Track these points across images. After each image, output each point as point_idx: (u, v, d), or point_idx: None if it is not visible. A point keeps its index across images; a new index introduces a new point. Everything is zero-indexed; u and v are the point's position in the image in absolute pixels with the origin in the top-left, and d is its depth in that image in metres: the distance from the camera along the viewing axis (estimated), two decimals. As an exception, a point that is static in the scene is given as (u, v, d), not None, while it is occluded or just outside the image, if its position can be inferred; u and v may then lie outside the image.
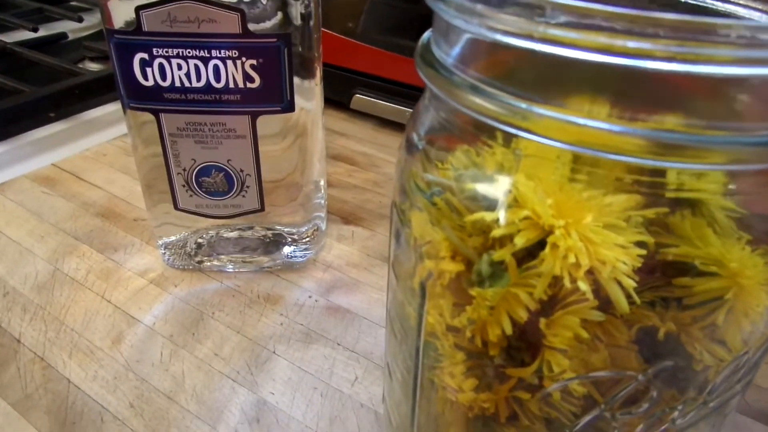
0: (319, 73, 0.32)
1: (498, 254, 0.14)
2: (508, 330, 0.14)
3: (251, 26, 0.27)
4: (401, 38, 0.50)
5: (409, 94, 0.50)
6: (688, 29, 0.12)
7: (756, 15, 0.17)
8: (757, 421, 0.27)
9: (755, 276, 0.16)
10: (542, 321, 0.14)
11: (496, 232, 0.14)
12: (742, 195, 0.15)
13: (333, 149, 0.49)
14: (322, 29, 0.51)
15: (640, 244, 0.15)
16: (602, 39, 0.11)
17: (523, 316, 0.14)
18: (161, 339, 0.31)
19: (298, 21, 0.29)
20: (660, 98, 0.15)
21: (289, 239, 0.36)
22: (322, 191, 0.37)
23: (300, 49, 0.30)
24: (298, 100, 0.30)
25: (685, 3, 0.18)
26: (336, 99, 0.54)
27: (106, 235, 0.39)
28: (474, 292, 0.14)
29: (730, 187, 0.16)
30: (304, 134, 0.33)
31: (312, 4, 0.29)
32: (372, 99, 0.52)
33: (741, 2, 0.18)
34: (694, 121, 0.15)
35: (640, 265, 0.15)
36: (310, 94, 0.32)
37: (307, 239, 0.36)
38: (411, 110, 0.50)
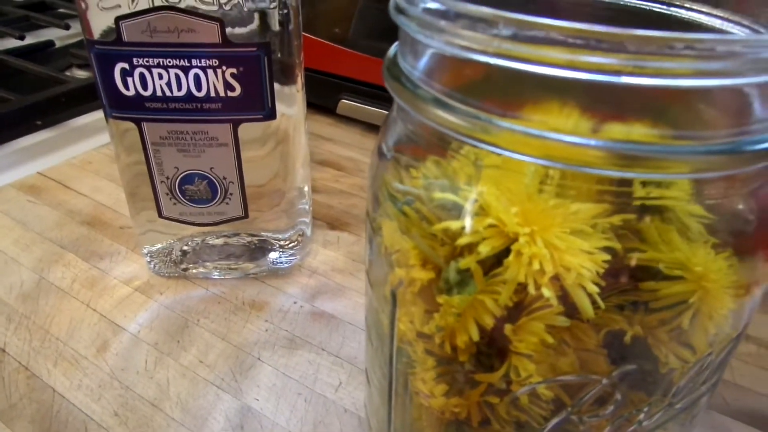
0: (300, 79, 0.33)
1: (464, 262, 0.14)
2: (475, 336, 0.14)
3: (229, 31, 0.28)
4: (387, 43, 0.50)
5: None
6: (647, 44, 0.12)
7: (717, 22, 0.18)
8: (736, 420, 0.28)
9: (719, 279, 0.16)
10: (508, 327, 0.14)
11: (462, 240, 0.14)
12: (709, 200, 0.15)
13: (319, 154, 0.50)
14: (308, 35, 0.52)
15: (606, 250, 0.16)
16: (564, 55, 0.12)
17: (489, 322, 0.14)
18: (146, 347, 0.31)
19: (276, 27, 0.29)
20: (623, 105, 0.15)
21: (275, 245, 0.36)
22: (307, 197, 0.37)
23: (280, 55, 0.30)
24: (279, 106, 0.31)
25: (649, 11, 0.19)
26: (322, 104, 0.54)
27: (91, 244, 0.39)
28: (441, 299, 0.15)
29: (697, 192, 0.16)
30: (285, 140, 0.33)
31: (291, 11, 0.29)
32: (358, 104, 0.52)
33: (704, 10, 0.18)
34: (658, 129, 0.15)
35: (603, 270, 0.15)
36: (291, 100, 0.32)
37: (293, 245, 0.37)
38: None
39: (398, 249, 0.16)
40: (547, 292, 0.14)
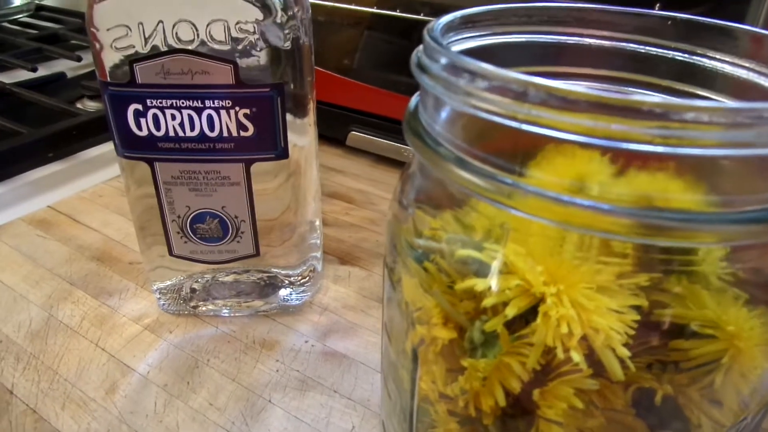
0: (312, 113, 0.33)
1: (490, 324, 0.14)
2: (502, 402, 0.14)
3: (243, 65, 0.28)
4: (396, 75, 0.50)
5: (405, 130, 0.50)
6: (670, 112, 0.12)
7: (742, 72, 0.17)
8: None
9: (752, 338, 0.15)
10: (536, 392, 0.14)
11: (488, 302, 0.14)
12: (739, 263, 0.15)
13: (329, 186, 0.50)
14: (317, 68, 0.52)
15: (634, 307, 0.15)
16: (584, 122, 0.11)
17: (516, 387, 0.14)
18: (155, 388, 0.31)
19: (290, 62, 0.29)
20: (648, 158, 0.15)
21: (285, 282, 0.36)
22: (318, 231, 0.37)
23: (293, 87, 0.30)
24: (292, 137, 0.30)
25: (672, 59, 0.18)
26: (332, 136, 0.54)
27: (101, 280, 0.38)
28: (466, 362, 0.14)
29: (726, 256, 0.16)
30: (297, 173, 0.33)
31: (303, 48, 0.29)
32: (368, 136, 0.52)
33: (727, 59, 0.18)
34: (683, 183, 0.15)
35: (633, 331, 0.14)
36: (304, 132, 0.32)
37: (303, 281, 0.36)
38: (407, 147, 0.50)
39: (420, 306, 0.15)
40: (576, 356, 0.14)
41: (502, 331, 0.14)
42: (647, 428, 0.16)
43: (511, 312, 0.14)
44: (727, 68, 0.18)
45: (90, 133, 0.53)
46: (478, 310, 0.15)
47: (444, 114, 0.15)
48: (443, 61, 0.14)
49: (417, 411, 0.17)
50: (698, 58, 0.18)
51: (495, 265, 0.14)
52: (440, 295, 0.15)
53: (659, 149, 0.11)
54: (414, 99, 0.17)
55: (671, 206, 0.14)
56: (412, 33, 0.49)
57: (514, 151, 0.14)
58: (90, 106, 0.62)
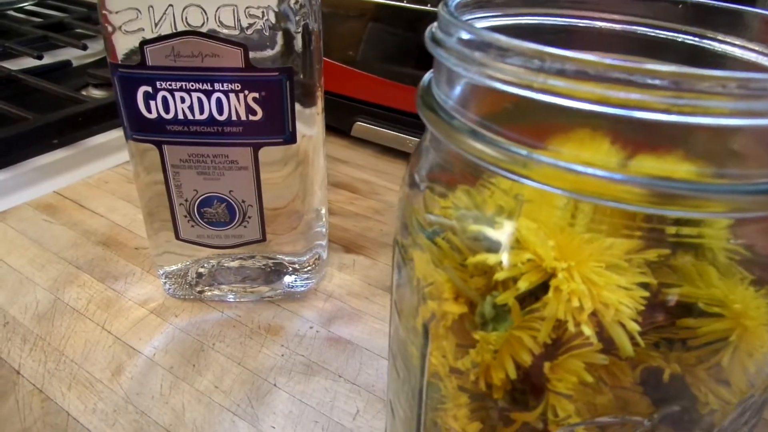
0: (320, 101, 0.33)
1: (501, 297, 0.14)
2: (512, 374, 0.14)
3: (252, 54, 0.28)
4: (401, 66, 0.50)
5: (410, 121, 0.50)
6: (684, 80, 0.12)
7: (752, 56, 0.17)
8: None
9: (759, 317, 0.16)
10: (546, 365, 0.14)
11: (499, 275, 0.14)
12: (745, 238, 0.15)
13: (334, 176, 0.50)
14: (324, 58, 0.52)
15: (642, 285, 0.15)
16: (599, 90, 0.11)
17: (527, 359, 0.14)
18: (161, 371, 0.31)
19: (299, 49, 0.29)
20: (660, 135, 0.15)
21: (290, 268, 0.36)
22: (324, 219, 0.37)
23: (302, 77, 0.30)
24: (300, 127, 0.31)
25: (682, 43, 0.19)
26: (337, 126, 0.54)
27: (107, 264, 0.38)
28: (477, 335, 0.14)
29: (734, 229, 0.16)
30: (305, 162, 0.33)
31: (313, 34, 0.30)
32: (373, 126, 0.52)
33: (737, 43, 0.18)
34: (694, 165, 0.15)
35: (643, 307, 0.14)
36: (312, 121, 0.32)
37: (309, 268, 0.36)
38: (412, 138, 0.50)
39: (431, 282, 0.15)
40: (587, 330, 0.14)
41: (513, 304, 0.14)
42: (654, 405, 0.16)
43: (523, 285, 0.14)
44: (737, 52, 0.18)
45: (95, 120, 0.53)
46: (489, 286, 0.16)
47: (458, 88, 0.15)
48: (459, 34, 0.14)
49: (426, 387, 0.17)
50: (708, 41, 0.18)
51: (506, 240, 0.14)
52: (451, 270, 0.15)
53: (673, 118, 0.11)
54: (427, 75, 0.17)
55: (682, 178, 0.14)
56: (419, 24, 0.49)
57: (527, 135, 0.15)
58: (95, 94, 0.62)
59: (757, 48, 0.17)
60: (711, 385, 0.16)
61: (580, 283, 0.14)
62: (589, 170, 0.13)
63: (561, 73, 0.12)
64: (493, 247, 0.15)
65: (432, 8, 0.47)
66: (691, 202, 0.13)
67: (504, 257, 0.14)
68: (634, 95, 0.11)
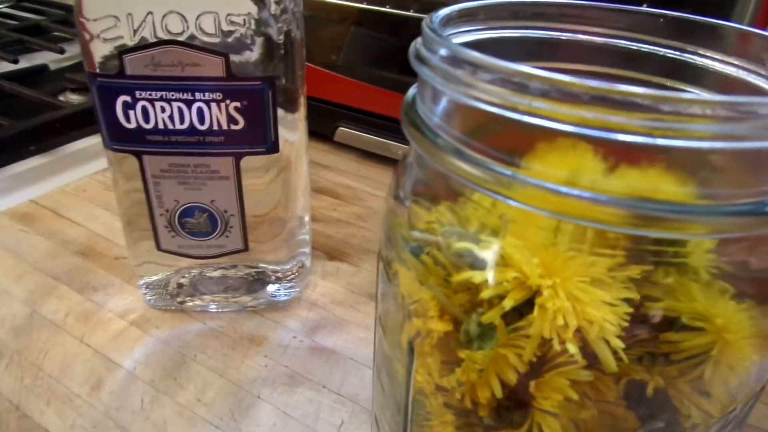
0: (303, 107, 0.33)
1: (487, 316, 0.14)
2: (498, 393, 0.14)
3: (234, 58, 0.27)
4: (384, 71, 0.50)
5: (393, 126, 0.50)
6: (666, 103, 0.12)
7: (732, 69, 0.18)
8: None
9: (740, 331, 0.16)
10: (531, 384, 0.14)
11: (486, 294, 0.14)
12: (727, 255, 0.15)
13: (316, 182, 0.49)
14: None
15: (626, 300, 0.15)
16: (583, 113, 0.11)
17: (512, 378, 0.14)
18: (142, 384, 0.30)
19: (281, 54, 0.29)
20: (644, 150, 0.15)
21: (273, 277, 0.36)
22: (307, 227, 0.37)
23: (284, 82, 0.30)
24: (283, 133, 0.30)
25: (663, 57, 0.19)
26: (319, 131, 0.54)
27: (85, 275, 0.38)
28: (463, 354, 0.14)
29: (716, 248, 0.16)
30: (288, 168, 0.32)
31: (295, 41, 0.29)
32: (355, 132, 0.52)
33: (717, 57, 0.18)
34: (676, 179, 0.15)
35: (627, 323, 0.15)
36: (294, 127, 0.32)
37: (292, 277, 0.36)
38: (395, 143, 0.50)
39: (417, 299, 0.15)
40: (572, 348, 0.14)
41: (500, 323, 0.14)
42: (638, 419, 0.16)
43: (508, 304, 0.14)
44: (717, 65, 0.18)
45: (73, 126, 0.52)
46: (473, 303, 0.16)
47: (442, 105, 0.15)
48: (442, 52, 0.14)
49: (412, 404, 0.17)
50: (689, 55, 0.18)
51: (492, 258, 0.14)
52: (437, 288, 0.15)
53: (654, 141, 0.11)
54: (412, 90, 0.17)
55: (664, 198, 0.14)
56: (401, 29, 0.49)
57: (511, 146, 0.15)
58: (73, 99, 0.61)
59: (736, 62, 0.17)
60: (693, 398, 0.16)
61: (564, 300, 0.14)
62: (574, 192, 0.13)
63: (545, 95, 0.12)
64: (478, 265, 0.15)
65: (414, 14, 0.47)
66: (672, 225, 0.13)
67: (490, 275, 0.14)
68: (617, 118, 0.11)
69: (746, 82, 0.18)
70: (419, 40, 0.15)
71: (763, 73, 0.18)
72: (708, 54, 0.18)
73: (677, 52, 0.18)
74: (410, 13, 0.47)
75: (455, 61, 0.14)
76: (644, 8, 0.18)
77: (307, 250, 0.37)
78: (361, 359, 0.32)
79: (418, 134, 0.15)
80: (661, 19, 0.18)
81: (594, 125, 0.12)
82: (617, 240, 0.16)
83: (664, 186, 0.15)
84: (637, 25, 0.19)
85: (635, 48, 0.19)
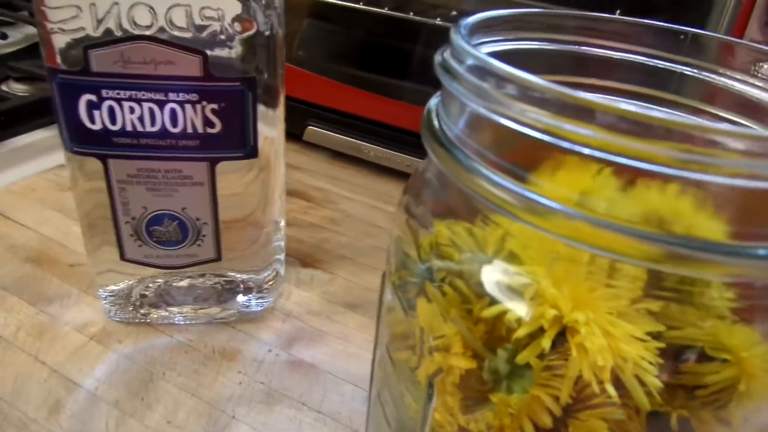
0: (282, 106, 0.31)
1: (523, 356, 0.13)
2: (532, 438, 0.13)
3: (213, 54, 0.25)
4: (355, 69, 0.49)
5: (364, 127, 0.49)
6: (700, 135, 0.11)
7: (753, 90, 0.17)
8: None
9: (765, 363, 0.15)
10: (568, 427, 0.13)
11: (522, 332, 0.13)
12: (747, 298, 0.15)
13: (287, 184, 0.47)
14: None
15: (652, 334, 0.15)
16: (624, 142, 0.11)
17: (547, 422, 0.13)
18: (106, 406, 0.28)
19: (264, 50, 0.27)
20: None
21: (243, 287, 0.34)
22: (282, 232, 0.35)
23: (266, 77, 0.28)
24: (263, 129, 0.28)
25: (683, 74, 0.18)
26: (289, 130, 0.52)
27: (38, 284, 0.35)
28: (495, 398, 0.13)
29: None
30: (267, 167, 0.31)
31: (277, 37, 0.28)
32: (325, 131, 0.50)
33: (738, 76, 0.17)
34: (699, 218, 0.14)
35: (661, 361, 0.14)
36: (275, 123, 0.30)
37: (266, 286, 0.34)
38: (367, 144, 0.49)
39: (441, 335, 0.14)
40: (611, 390, 0.13)
41: (536, 363, 0.13)
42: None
43: (546, 344, 0.13)
44: (737, 85, 0.17)
45: (19, 119, 0.48)
46: (494, 337, 0.14)
47: (467, 120, 0.14)
48: (472, 64, 0.13)
49: (428, 443, 0.16)
50: (707, 74, 0.18)
51: (527, 291, 0.13)
52: (461, 322, 0.14)
53: (684, 174, 0.11)
54: (433, 100, 0.15)
55: (691, 233, 0.14)
56: (373, 26, 0.47)
57: (537, 165, 0.14)
58: (17, 88, 0.56)
59: (759, 84, 0.17)
60: (717, 430, 0.16)
61: (601, 338, 0.13)
62: (613, 227, 0.12)
63: (588, 120, 0.12)
64: (507, 297, 0.14)
65: (388, 11, 0.46)
66: (697, 264, 0.12)
67: (524, 311, 0.13)
68: (650, 148, 0.11)
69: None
70: (446, 49, 0.14)
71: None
72: (728, 73, 0.17)
73: (696, 70, 0.18)
74: (384, 11, 0.46)
75: (486, 74, 0.13)
76: (666, 24, 0.17)
77: (281, 257, 0.35)
78: (340, 374, 0.31)
79: (441, 150, 0.14)
80: (682, 36, 0.18)
81: (634, 156, 0.11)
82: (636, 272, 0.15)
83: (692, 218, 0.15)
84: (660, 42, 0.18)
85: (652, 64, 0.18)
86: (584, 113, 0.12)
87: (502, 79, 0.13)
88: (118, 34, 0.25)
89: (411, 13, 0.45)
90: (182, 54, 0.25)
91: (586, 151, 0.11)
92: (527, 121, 0.12)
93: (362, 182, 0.49)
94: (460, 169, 0.14)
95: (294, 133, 0.52)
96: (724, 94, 0.18)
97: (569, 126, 0.12)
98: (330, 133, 0.50)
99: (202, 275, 0.33)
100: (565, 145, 0.12)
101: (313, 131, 0.51)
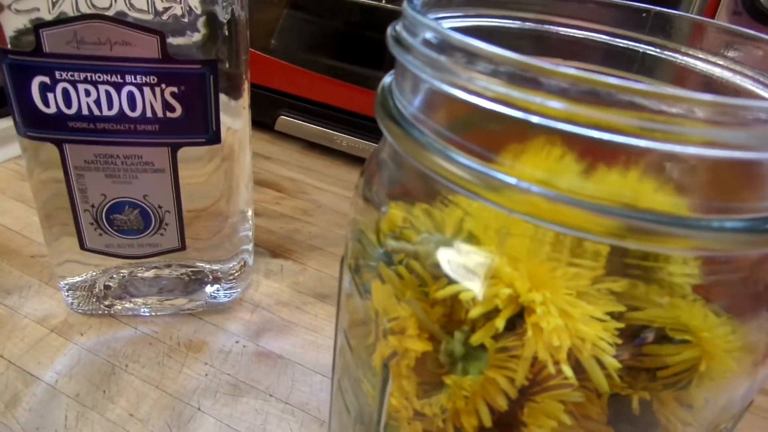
0: (246, 94, 0.30)
1: (477, 337, 0.13)
2: (487, 421, 0.13)
3: (172, 40, 0.25)
4: (327, 58, 0.48)
5: (337, 116, 0.48)
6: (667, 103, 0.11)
7: (717, 70, 0.17)
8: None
9: (726, 344, 0.15)
10: (524, 409, 0.13)
11: (475, 312, 0.13)
12: (709, 273, 0.15)
13: (257, 174, 0.47)
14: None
15: (611, 314, 0.14)
16: (597, 114, 0.10)
17: (502, 404, 0.13)
18: (66, 399, 0.27)
19: (225, 37, 0.26)
20: (629, 155, 0.14)
21: (211, 277, 0.33)
22: (250, 222, 0.34)
23: (227, 66, 0.27)
24: (225, 119, 0.28)
25: (643, 54, 0.18)
26: (259, 120, 0.51)
27: (-4, 276, 0.34)
28: (449, 380, 0.13)
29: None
30: (230, 158, 0.30)
31: (240, 22, 0.27)
32: (297, 121, 0.50)
33: (700, 56, 0.17)
34: (659, 185, 0.14)
35: (620, 342, 0.14)
36: (238, 114, 0.29)
37: (233, 276, 0.34)
38: (340, 134, 0.48)
39: (394, 317, 0.14)
40: (568, 371, 0.13)
41: (490, 344, 0.13)
42: (623, 436, 0.15)
43: (500, 324, 0.12)
44: (699, 64, 0.17)
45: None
46: (451, 319, 0.14)
47: (423, 96, 0.14)
48: (429, 37, 0.12)
49: (385, 429, 0.15)
50: (669, 53, 0.18)
51: (481, 271, 0.13)
52: (416, 304, 0.14)
53: (644, 143, 0.10)
54: (387, 78, 0.15)
55: (652, 208, 0.13)
56: (346, 14, 0.46)
57: (500, 145, 0.13)
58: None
59: (720, 62, 0.17)
60: (679, 413, 0.16)
61: (557, 318, 0.13)
62: (571, 201, 0.12)
63: (563, 93, 0.11)
64: (464, 278, 0.13)
65: (363, 0, 0.45)
66: (662, 239, 0.12)
67: (478, 290, 0.13)
68: (612, 117, 0.10)
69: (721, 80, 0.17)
70: (398, 22, 0.14)
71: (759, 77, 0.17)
72: (690, 52, 0.17)
73: (658, 49, 0.18)
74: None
75: (442, 47, 0.12)
76: (628, 2, 0.17)
77: (249, 247, 0.35)
78: (309, 365, 0.30)
79: (396, 129, 0.13)
80: (644, 14, 0.17)
81: (577, 120, 0.10)
82: (598, 250, 0.15)
83: (654, 195, 0.14)
84: (618, 19, 0.18)
85: (614, 43, 0.18)
86: (538, 84, 0.11)
87: (454, 49, 0.12)
88: (74, 15, 0.24)
89: (383, 1, 0.45)
90: (138, 34, 0.24)
91: (535, 119, 0.11)
92: (478, 90, 0.12)
93: (334, 173, 0.48)
94: (416, 147, 0.13)
95: (265, 123, 0.51)
96: (688, 73, 0.17)
97: (520, 93, 0.11)
98: (302, 122, 0.50)
99: (168, 266, 0.33)
100: (517, 114, 0.12)
101: (285, 121, 0.50)
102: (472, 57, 0.12)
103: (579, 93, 0.11)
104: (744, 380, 0.15)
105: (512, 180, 0.12)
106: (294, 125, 0.50)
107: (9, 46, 0.24)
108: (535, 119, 0.12)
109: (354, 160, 0.49)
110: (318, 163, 0.50)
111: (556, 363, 0.13)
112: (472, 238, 0.14)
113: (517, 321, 0.13)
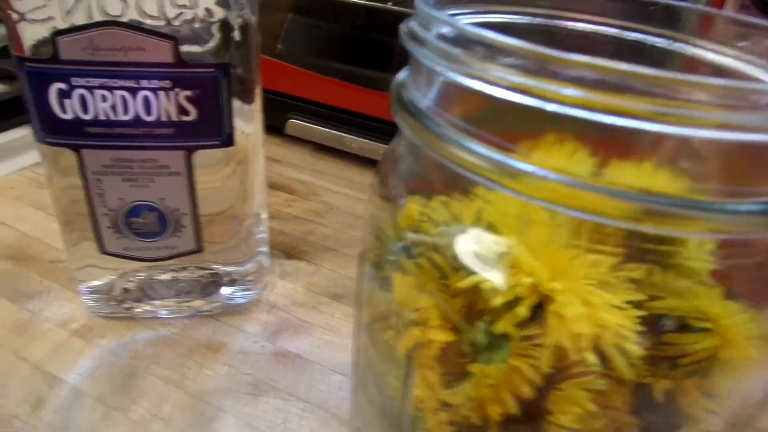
0: (259, 98, 0.30)
1: (500, 326, 0.13)
2: (513, 409, 0.13)
3: (186, 48, 0.25)
4: (335, 62, 0.48)
5: (346, 119, 0.49)
6: (698, 91, 0.11)
7: (727, 60, 0.17)
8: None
9: (746, 332, 0.15)
10: (549, 398, 0.13)
11: (497, 301, 0.13)
12: (725, 258, 0.15)
13: (269, 177, 0.47)
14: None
15: (632, 302, 0.14)
16: (615, 101, 0.10)
17: (527, 392, 0.13)
18: (90, 401, 0.27)
19: (238, 42, 0.26)
20: (645, 144, 0.14)
21: (227, 279, 0.33)
22: (264, 224, 0.35)
23: (240, 71, 0.27)
24: (239, 124, 0.28)
25: (652, 47, 0.18)
26: (270, 124, 0.51)
27: (17, 281, 0.34)
28: (474, 369, 0.13)
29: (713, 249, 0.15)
30: (245, 162, 0.30)
31: (251, 27, 0.27)
32: (307, 124, 0.50)
33: (710, 47, 0.17)
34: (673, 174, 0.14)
35: (642, 329, 0.14)
36: (251, 118, 0.30)
37: (249, 278, 0.34)
38: (349, 135, 0.49)
39: (417, 308, 0.14)
40: (591, 358, 0.13)
41: (514, 333, 0.13)
42: (645, 424, 0.15)
43: (523, 312, 0.12)
44: (709, 55, 0.17)
45: (-5, 117, 0.47)
46: (473, 309, 0.14)
47: (438, 88, 0.14)
48: (444, 30, 0.13)
49: (410, 419, 0.15)
50: (680, 44, 0.18)
51: (502, 261, 0.13)
52: (438, 295, 0.14)
53: (665, 129, 0.11)
54: (402, 73, 0.15)
55: (667, 192, 0.13)
56: (353, 17, 0.47)
57: (516, 134, 0.13)
58: (-6, 88, 0.55)
59: (730, 52, 0.17)
60: (700, 400, 0.16)
61: (579, 306, 0.13)
62: (589, 184, 0.12)
63: (542, 74, 0.11)
64: (485, 268, 0.14)
65: (366, 2, 0.45)
66: (677, 221, 0.12)
67: (500, 280, 0.13)
68: (627, 103, 0.11)
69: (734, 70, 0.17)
70: (410, 20, 0.14)
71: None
72: (700, 44, 0.17)
73: (668, 41, 0.18)
74: (364, 1, 0.45)
75: (455, 40, 0.13)
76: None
77: (265, 249, 0.35)
78: (327, 363, 0.31)
79: (413, 121, 0.14)
80: (652, 7, 0.17)
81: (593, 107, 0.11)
82: (616, 237, 0.15)
83: (665, 180, 0.15)
84: (627, 12, 0.18)
85: (622, 37, 0.18)
86: (553, 73, 0.12)
87: (470, 42, 0.12)
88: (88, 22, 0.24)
89: (390, 3, 0.45)
90: (152, 39, 0.24)
91: (551, 107, 0.11)
92: (494, 80, 0.12)
93: (345, 174, 0.49)
94: (434, 138, 0.13)
95: (276, 127, 0.51)
96: (698, 64, 0.18)
97: (536, 82, 0.12)
98: (312, 125, 0.50)
99: (185, 268, 0.33)
100: (534, 102, 0.12)
101: (295, 124, 0.50)
102: (488, 48, 0.12)
103: (594, 80, 0.12)
104: (765, 367, 0.15)
105: (530, 167, 0.12)
106: (304, 128, 0.50)
107: (26, 55, 0.24)
108: (551, 107, 0.12)
109: (364, 162, 0.49)
110: (329, 165, 0.50)
111: (579, 351, 0.13)
112: (492, 229, 0.14)
113: (537, 310, 0.14)
